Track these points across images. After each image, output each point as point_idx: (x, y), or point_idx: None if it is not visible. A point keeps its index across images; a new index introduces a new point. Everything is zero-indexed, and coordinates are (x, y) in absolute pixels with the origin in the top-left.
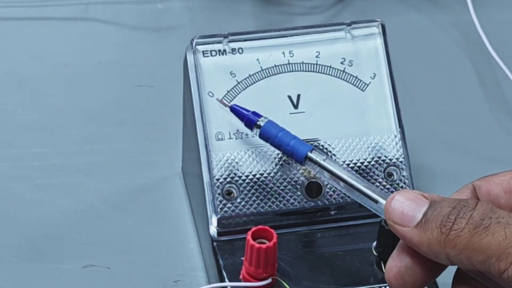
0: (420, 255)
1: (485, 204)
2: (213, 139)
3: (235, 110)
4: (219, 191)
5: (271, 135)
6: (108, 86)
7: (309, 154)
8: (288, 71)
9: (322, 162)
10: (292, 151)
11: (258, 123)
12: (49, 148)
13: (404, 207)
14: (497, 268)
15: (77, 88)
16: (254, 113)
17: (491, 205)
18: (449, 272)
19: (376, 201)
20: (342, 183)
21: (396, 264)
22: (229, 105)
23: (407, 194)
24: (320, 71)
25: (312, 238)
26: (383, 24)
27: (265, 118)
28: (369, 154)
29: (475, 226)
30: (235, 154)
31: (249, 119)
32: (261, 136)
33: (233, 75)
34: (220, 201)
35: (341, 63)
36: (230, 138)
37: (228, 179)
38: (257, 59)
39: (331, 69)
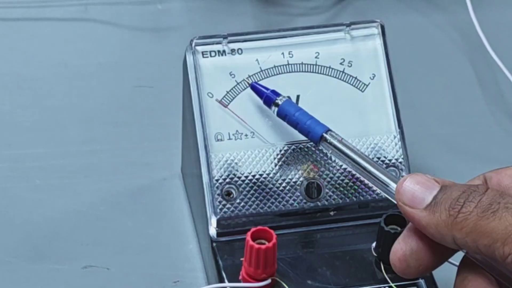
0: (426, 239)
1: (495, 190)
2: (213, 139)
3: (254, 88)
4: (218, 191)
5: (289, 113)
6: (108, 86)
7: (325, 134)
8: (287, 72)
9: (337, 143)
10: (308, 130)
11: (276, 101)
12: (48, 148)
13: (415, 189)
14: (502, 253)
15: (77, 88)
16: (273, 91)
17: (501, 192)
18: (450, 271)
19: (387, 184)
20: (355, 166)
21: (402, 247)
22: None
23: (419, 177)
24: (319, 71)
25: (312, 239)
26: (383, 25)
27: (284, 97)
28: (368, 155)
29: (483, 210)
30: (234, 155)
31: (268, 97)
32: (279, 114)
33: (233, 75)
34: (220, 202)
35: (341, 63)
36: (230, 138)
37: (228, 180)
38: (257, 60)
39: (331, 69)
